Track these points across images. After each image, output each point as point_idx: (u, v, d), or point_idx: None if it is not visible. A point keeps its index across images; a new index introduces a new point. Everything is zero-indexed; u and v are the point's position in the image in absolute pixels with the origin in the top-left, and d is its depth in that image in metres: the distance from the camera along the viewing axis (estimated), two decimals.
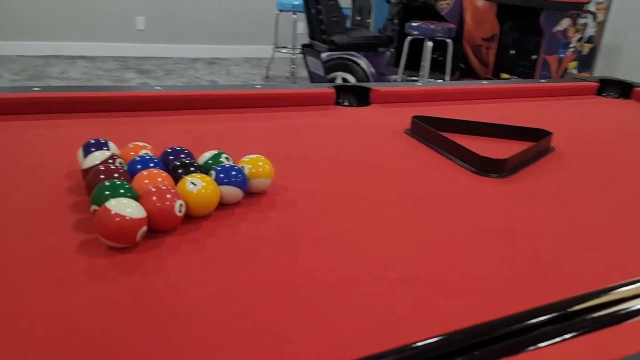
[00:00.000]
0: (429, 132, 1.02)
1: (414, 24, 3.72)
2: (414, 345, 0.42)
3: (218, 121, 1.06)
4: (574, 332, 0.46)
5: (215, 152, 0.74)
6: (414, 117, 1.08)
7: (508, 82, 1.52)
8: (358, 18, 5.30)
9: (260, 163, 0.73)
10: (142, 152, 0.74)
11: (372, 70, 4.04)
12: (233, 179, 0.69)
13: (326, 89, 1.24)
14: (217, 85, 1.18)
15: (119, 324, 0.45)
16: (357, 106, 1.28)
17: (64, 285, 0.50)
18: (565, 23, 3.71)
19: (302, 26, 5.99)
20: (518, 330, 0.45)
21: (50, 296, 0.48)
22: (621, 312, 0.48)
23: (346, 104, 1.28)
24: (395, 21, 4.56)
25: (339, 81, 3.93)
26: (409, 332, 0.47)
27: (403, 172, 0.88)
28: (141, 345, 0.43)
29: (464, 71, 4.39)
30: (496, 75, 4.16)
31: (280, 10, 4.80)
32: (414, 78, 4.20)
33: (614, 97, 1.62)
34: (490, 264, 0.60)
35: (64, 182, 0.73)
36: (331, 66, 3.89)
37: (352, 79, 3.96)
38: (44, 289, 0.49)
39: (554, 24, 3.67)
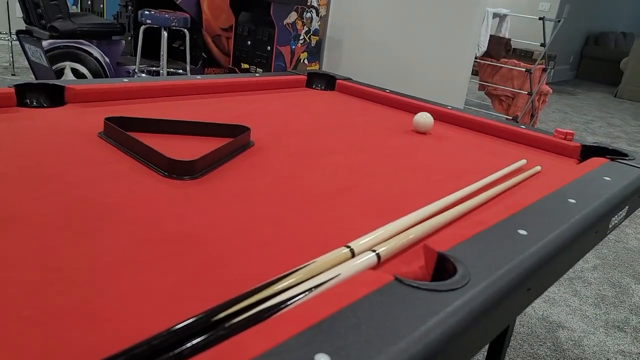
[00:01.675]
0: (121, 134, 0.96)
1: (147, 12, 3.56)
2: None
3: None
4: (210, 344, 0.46)
5: None
6: (106, 118, 1.00)
7: (222, 76, 1.54)
8: (89, 2, 4.86)
9: None
10: None
11: (107, 60, 3.76)
12: None
13: (2, 88, 1.07)
14: None
15: None
16: (49, 107, 1.14)
17: None
18: (293, 16, 3.99)
19: (19, 8, 5.23)
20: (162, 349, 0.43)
21: None
22: (257, 314, 0.50)
23: (35, 104, 1.13)
24: (130, 8, 4.31)
25: (67, 72, 3.55)
26: None
27: (83, 182, 0.80)
28: None
29: (206, 61, 4.39)
30: (237, 65, 4.27)
31: None
32: (154, 68, 4.04)
33: (321, 89, 1.78)
34: (149, 281, 0.57)
35: None
36: (56, 55, 3.48)
37: (84, 70, 3.62)
38: None
39: (283, 17, 3.91)
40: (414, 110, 1.57)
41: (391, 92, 1.68)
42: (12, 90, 1.08)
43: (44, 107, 1.13)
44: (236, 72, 4.23)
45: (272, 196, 0.85)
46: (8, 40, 4.36)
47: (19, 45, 4.87)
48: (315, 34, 4.22)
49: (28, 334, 0.47)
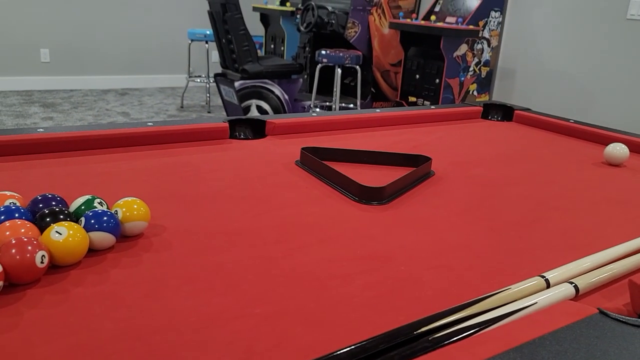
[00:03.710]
0: (316, 162, 1.06)
1: (323, 52, 3.84)
2: None
3: (103, 162, 1.05)
4: (417, 354, 0.50)
5: (89, 197, 0.74)
6: (303, 148, 1.12)
7: (401, 109, 1.61)
8: (272, 46, 5.38)
9: (135, 206, 0.73)
10: (8, 202, 0.72)
11: (286, 97, 4.11)
12: (104, 225, 0.68)
13: (219, 123, 1.26)
14: (104, 125, 1.16)
15: None
16: (253, 138, 1.31)
17: None
18: (463, 48, 3.97)
19: (216, 55, 5.99)
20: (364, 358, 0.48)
21: None
22: (456, 331, 0.53)
23: (242, 136, 1.31)
24: (307, 49, 4.68)
25: (253, 109, 3.96)
26: None
27: (287, 204, 0.91)
28: None
29: (375, 95, 4.56)
30: (404, 99, 4.35)
31: (192, 40, 4.79)
32: (327, 103, 4.31)
33: (497, 120, 1.75)
34: (353, 293, 0.63)
35: None
36: (245, 94, 3.92)
37: (266, 107, 4.00)
38: None
39: (454, 49, 3.91)
40: (604, 141, 1.46)
41: (576, 122, 1.58)
42: (227, 125, 1.27)
43: (249, 139, 1.30)
44: (404, 106, 4.32)
45: (456, 223, 0.87)
46: (206, 82, 5.02)
47: (214, 87, 5.57)
48: (486, 64, 4.14)
49: (261, 327, 0.55)
